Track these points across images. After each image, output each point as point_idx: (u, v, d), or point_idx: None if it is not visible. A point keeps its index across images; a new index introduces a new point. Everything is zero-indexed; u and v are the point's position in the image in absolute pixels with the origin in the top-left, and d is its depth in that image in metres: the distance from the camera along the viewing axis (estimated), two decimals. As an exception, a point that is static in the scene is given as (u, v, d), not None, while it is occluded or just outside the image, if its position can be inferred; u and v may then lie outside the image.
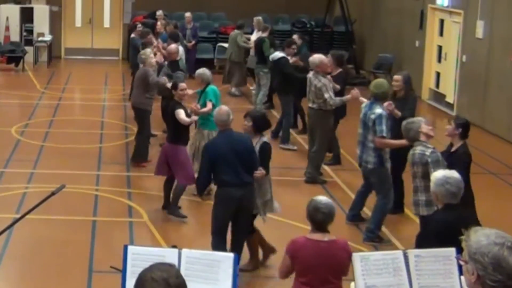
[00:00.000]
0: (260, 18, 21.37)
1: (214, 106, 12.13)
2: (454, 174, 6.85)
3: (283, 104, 15.96)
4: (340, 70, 14.15)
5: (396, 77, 11.77)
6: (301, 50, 16.35)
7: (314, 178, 13.19)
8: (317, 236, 6.49)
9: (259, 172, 9.01)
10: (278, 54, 16.17)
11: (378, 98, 10.60)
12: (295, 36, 17.31)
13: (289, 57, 16.07)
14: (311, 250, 6.43)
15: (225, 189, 8.87)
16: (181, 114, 11.26)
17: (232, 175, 8.82)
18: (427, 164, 8.74)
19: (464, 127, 9.44)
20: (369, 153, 10.56)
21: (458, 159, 9.16)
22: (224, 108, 9.24)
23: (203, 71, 12.56)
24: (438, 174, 6.89)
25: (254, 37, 20.58)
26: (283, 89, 15.82)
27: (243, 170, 8.90)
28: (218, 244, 8.89)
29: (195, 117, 11.59)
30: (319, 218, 6.50)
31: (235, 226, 9.08)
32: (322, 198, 6.66)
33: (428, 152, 8.78)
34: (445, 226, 6.46)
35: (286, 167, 14.02)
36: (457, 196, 6.78)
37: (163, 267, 3.63)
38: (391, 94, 11.48)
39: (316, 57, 13.12)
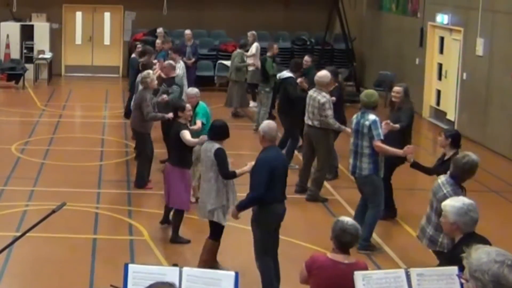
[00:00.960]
0: (254, 32, 21.58)
1: (203, 124, 12.32)
2: (470, 200, 6.54)
3: (285, 125, 15.67)
4: (335, 85, 14.32)
5: (396, 88, 12.07)
6: (310, 71, 16.17)
7: (316, 196, 13.20)
8: (339, 258, 6.42)
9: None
10: (286, 74, 15.91)
11: (369, 107, 10.87)
12: (306, 57, 17.23)
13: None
14: (329, 271, 6.37)
15: (275, 206, 8.89)
16: (187, 135, 11.20)
17: (281, 191, 8.95)
18: None
19: (453, 137, 9.68)
20: (363, 160, 10.73)
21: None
22: (272, 123, 9.24)
23: (191, 90, 13.02)
24: (456, 203, 6.49)
25: (252, 50, 20.70)
26: (285, 110, 15.62)
27: (285, 185, 9.09)
28: (270, 264, 8.94)
29: (204, 137, 11.35)
30: (347, 239, 6.42)
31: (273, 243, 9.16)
32: (348, 219, 6.58)
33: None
34: None
35: (288, 185, 14.00)
36: (477, 223, 6.48)
37: (163, 286, 3.60)
38: (390, 107, 12.13)
39: (323, 76, 13.17)
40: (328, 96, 13.04)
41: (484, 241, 6.31)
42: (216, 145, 9.66)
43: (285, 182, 9.04)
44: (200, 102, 12.75)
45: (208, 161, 9.67)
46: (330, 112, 12.88)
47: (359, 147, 10.77)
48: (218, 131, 9.78)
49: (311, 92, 13.22)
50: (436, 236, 8.38)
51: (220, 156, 9.54)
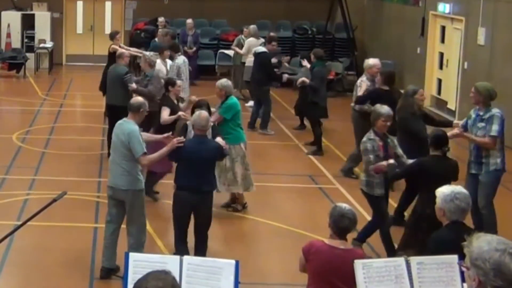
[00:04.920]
0: (252, 26, 21.40)
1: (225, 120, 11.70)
2: (462, 189, 6.60)
3: (260, 95, 17.52)
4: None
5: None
6: (314, 66, 16.29)
7: (347, 171, 13.85)
8: (335, 243, 6.46)
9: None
10: (260, 49, 17.71)
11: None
12: (311, 55, 17.19)
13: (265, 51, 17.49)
14: (326, 255, 6.40)
15: (180, 192, 9.20)
16: (164, 113, 11.95)
17: (190, 180, 9.09)
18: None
19: (433, 138, 9.37)
20: None
21: None
22: (204, 113, 9.48)
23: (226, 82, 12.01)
24: (445, 190, 6.59)
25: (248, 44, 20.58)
26: (259, 80, 17.28)
27: (204, 178, 9.16)
28: (177, 242, 9.33)
29: (181, 113, 12.12)
30: (345, 224, 6.47)
31: (195, 229, 9.43)
32: (346, 205, 6.66)
33: (365, 138, 9.79)
34: (447, 246, 6.14)
35: (288, 174, 14.05)
36: (465, 212, 6.55)
37: (159, 275, 3.60)
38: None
39: (369, 60, 13.82)
40: (365, 81, 13.43)
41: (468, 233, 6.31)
42: None
43: (199, 174, 9.11)
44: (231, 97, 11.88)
45: None
46: (360, 94, 13.36)
47: None
48: None
49: None
50: (361, 177, 9.98)
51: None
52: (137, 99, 9.62)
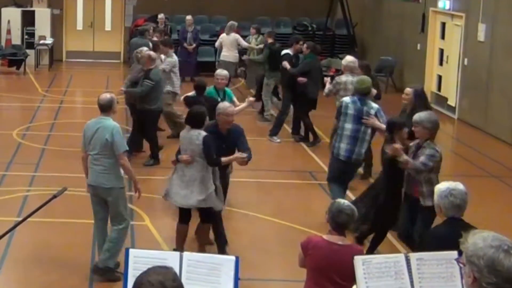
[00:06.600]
0: (230, 23, 21.26)
1: None
2: (458, 186, 6.63)
3: (283, 100, 16.82)
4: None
5: (407, 90, 10.99)
6: (305, 58, 16.26)
7: None
8: (333, 238, 6.49)
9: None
10: (284, 51, 16.99)
11: (363, 93, 10.99)
12: (304, 46, 17.06)
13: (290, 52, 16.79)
14: (323, 251, 6.43)
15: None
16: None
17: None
18: None
19: (387, 124, 9.69)
20: (363, 146, 10.96)
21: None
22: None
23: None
24: (441, 186, 6.65)
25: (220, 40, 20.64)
26: (286, 85, 16.57)
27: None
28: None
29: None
30: (343, 220, 6.49)
31: None
32: (344, 201, 6.71)
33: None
34: (445, 244, 6.04)
35: (289, 170, 14.05)
36: (462, 208, 6.57)
37: (160, 270, 3.64)
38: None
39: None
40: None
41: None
42: (202, 133, 9.50)
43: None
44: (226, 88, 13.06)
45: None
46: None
47: (361, 133, 10.78)
48: (194, 120, 9.67)
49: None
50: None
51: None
52: (107, 96, 9.62)
